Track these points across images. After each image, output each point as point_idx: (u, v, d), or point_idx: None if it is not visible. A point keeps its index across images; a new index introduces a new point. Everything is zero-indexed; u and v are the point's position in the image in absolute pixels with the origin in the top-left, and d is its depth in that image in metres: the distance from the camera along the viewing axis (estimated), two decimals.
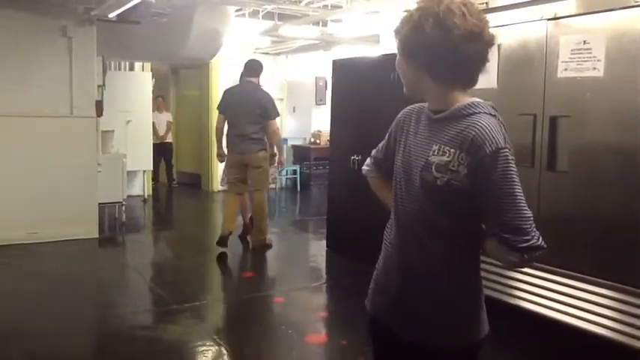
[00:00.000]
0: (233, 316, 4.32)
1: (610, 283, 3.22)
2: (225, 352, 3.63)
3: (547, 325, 3.54)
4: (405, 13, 1.56)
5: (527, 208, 1.44)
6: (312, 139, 10.43)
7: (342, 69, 5.98)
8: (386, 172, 1.77)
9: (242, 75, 6.11)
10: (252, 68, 6.03)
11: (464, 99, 1.54)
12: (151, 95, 9.21)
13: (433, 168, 1.51)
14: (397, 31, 1.57)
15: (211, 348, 3.70)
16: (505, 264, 1.52)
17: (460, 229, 1.55)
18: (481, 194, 1.47)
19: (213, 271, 5.79)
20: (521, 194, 1.44)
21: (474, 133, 1.46)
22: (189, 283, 5.21)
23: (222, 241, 5.76)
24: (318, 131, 10.27)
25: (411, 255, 1.59)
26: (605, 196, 3.25)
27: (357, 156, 5.29)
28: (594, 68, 3.25)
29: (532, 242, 1.43)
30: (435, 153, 1.52)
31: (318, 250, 6.39)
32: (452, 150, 1.49)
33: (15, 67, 5.93)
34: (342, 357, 3.69)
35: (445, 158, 1.49)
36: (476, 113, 1.51)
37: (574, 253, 3.41)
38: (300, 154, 10.45)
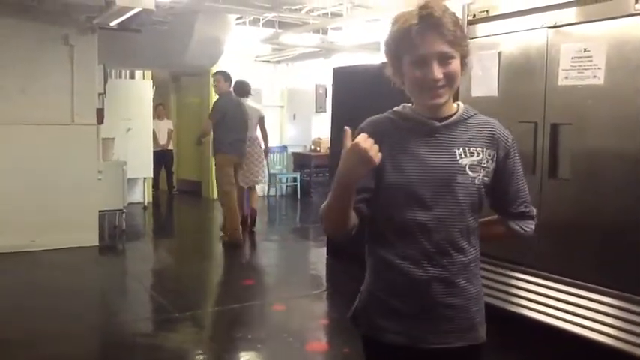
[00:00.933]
0: (234, 324, 4.31)
1: (612, 290, 3.21)
2: None
3: (549, 333, 3.54)
4: (440, 11, 1.46)
5: None
6: (312, 147, 10.44)
7: (343, 77, 6.00)
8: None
9: (223, 87, 6.72)
10: (229, 78, 6.77)
11: (454, 104, 1.61)
12: (152, 103, 9.22)
13: (467, 169, 1.54)
14: (452, 32, 1.47)
15: (212, 356, 3.69)
16: (523, 236, 1.70)
17: (477, 224, 1.62)
18: (508, 180, 1.63)
19: (213, 279, 5.79)
20: None
21: (495, 129, 1.61)
22: (189, 291, 5.20)
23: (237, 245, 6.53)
24: (318, 139, 10.28)
25: (443, 262, 1.56)
26: (607, 203, 3.26)
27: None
28: (595, 76, 3.26)
29: (534, 209, 1.72)
30: (462, 156, 1.55)
31: (318, 257, 6.39)
32: (479, 149, 1.57)
33: (17, 76, 5.95)
34: None
35: (476, 157, 1.56)
36: (475, 114, 1.63)
37: (576, 261, 3.41)
38: (301, 161, 10.46)
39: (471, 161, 1.55)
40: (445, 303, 1.57)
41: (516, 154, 1.63)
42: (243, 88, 7.05)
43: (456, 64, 1.51)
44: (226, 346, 3.81)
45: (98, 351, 4.04)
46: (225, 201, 6.63)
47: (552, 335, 3.52)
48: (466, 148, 1.56)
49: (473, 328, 1.62)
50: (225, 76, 6.74)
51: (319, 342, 4.10)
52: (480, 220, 1.65)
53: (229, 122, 6.47)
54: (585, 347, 3.34)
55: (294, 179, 10.39)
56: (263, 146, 7.41)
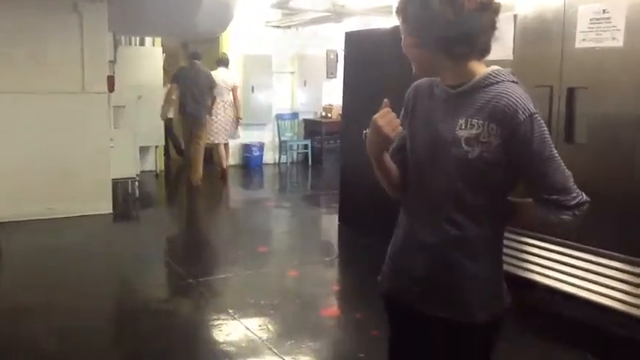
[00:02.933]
0: (248, 290, 4.35)
1: (629, 257, 3.19)
2: (240, 325, 3.66)
3: (567, 300, 3.54)
4: None
5: (566, 167, 1.48)
6: (323, 113, 10.36)
7: (355, 42, 5.91)
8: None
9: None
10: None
11: (482, 69, 1.53)
12: (162, 71, 9.17)
13: (462, 142, 1.49)
14: (401, 11, 1.53)
15: (226, 322, 3.73)
16: (557, 226, 1.54)
17: (489, 204, 1.54)
18: (522, 162, 1.48)
19: (227, 246, 5.83)
20: (558, 155, 1.48)
21: (504, 102, 1.46)
22: (203, 258, 5.25)
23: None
24: (329, 105, 10.20)
25: (437, 232, 1.56)
26: (624, 168, 3.22)
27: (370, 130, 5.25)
28: (614, 38, 3.18)
29: (579, 198, 1.48)
30: (462, 127, 1.49)
31: (330, 224, 6.40)
32: (480, 122, 1.47)
33: (26, 44, 5.90)
34: (356, 330, 3.71)
35: (474, 131, 1.48)
36: (499, 82, 1.50)
37: (591, 227, 3.37)
38: (311, 128, 10.40)
39: (469, 134, 1.48)
40: (436, 273, 1.58)
41: (533, 134, 1.44)
42: (221, 59, 8.41)
43: (405, 42, 1.55)
44: (240, 312, 3.84)
45: (113, 317, 4.11)
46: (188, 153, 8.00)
47: (570, 302, 3.52)
48: (469, 120, 1.49)
49: (463, 304, 1.57)
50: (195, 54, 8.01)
51: (332, 308, 4.13)
52: (516, 200, 1.58)
53: (185, 89, 7.64)
54: (602, 313, 3.34)
55: (305, 146, 10.35)
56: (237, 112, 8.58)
